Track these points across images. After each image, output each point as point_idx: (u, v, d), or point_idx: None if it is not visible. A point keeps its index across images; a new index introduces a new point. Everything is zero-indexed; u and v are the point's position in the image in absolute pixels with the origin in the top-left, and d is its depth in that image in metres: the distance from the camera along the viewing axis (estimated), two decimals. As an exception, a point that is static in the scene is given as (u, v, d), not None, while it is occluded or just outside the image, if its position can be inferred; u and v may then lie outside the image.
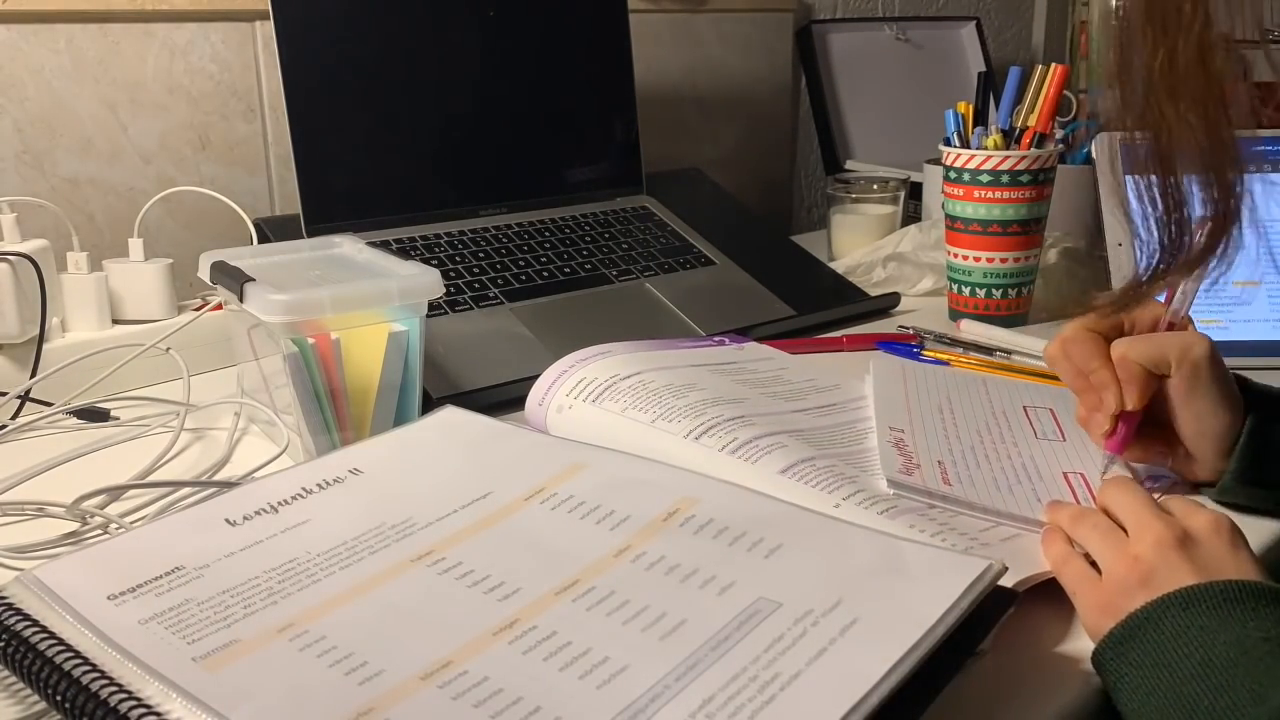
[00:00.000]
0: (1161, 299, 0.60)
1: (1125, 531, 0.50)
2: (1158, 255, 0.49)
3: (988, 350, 0.87)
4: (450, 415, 0.62)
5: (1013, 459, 0.63)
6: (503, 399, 0.75)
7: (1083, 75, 1.73)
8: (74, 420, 0.74)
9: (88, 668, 0.40)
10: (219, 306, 0.82)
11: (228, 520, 0.50)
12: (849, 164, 1.38)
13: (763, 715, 0.37)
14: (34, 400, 0.75)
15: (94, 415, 0.74)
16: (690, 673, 0.39)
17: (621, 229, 1.01)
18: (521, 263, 0.92)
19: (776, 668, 0.39)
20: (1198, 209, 0.47)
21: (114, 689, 0.38)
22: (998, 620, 0.46)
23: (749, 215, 1.13)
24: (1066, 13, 1.80)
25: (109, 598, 0.44)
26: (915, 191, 1.22)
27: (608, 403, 0.66)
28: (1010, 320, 0.95)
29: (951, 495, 0.58)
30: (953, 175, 0.95)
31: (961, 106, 0.97)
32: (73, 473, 0.67)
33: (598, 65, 1.05)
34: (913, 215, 1.21)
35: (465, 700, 0.38)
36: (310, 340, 0.63)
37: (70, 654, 0.40)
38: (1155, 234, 0.48)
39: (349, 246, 0.75)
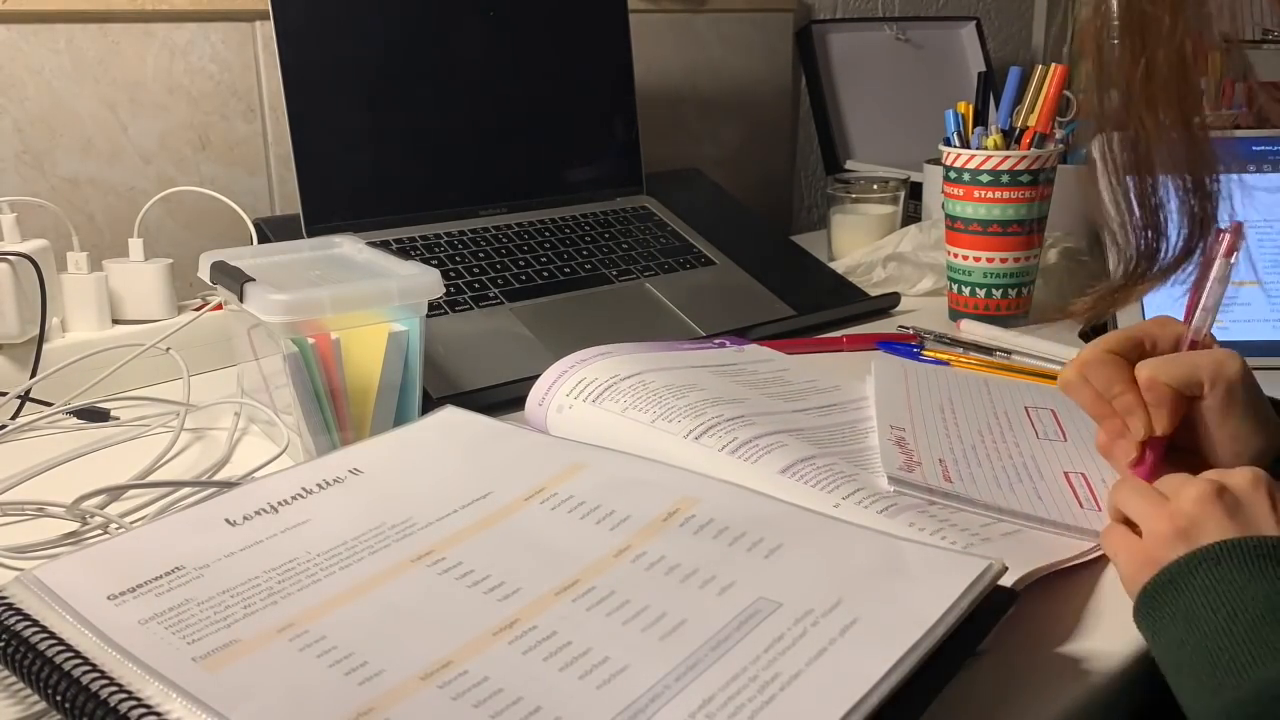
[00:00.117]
0: (1181, 318, 0.59)
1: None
2: (1134, 259, 0.48)
3: (988, 350, 0.87)
4: (450, 415, 0.63)
5: (1014, 458, 0.63)
6: (503, 399, 0.75)
7: (1083, 75, 1.73)
8: (74, 420, 0.74)
9: (88, 668, 0.40)
10: (219, 306, 0.82)
11: (228, 520, 0.50)
12: (849, 164, 1.38)
13: (763, 715, 0.37)
14: (34, 400, 0.75)
15: (94, 415, 0.74)
16: (690, 673, 0.39)
17: (621, 229, 1.01)
18: (521, 263, 0.92)
19: (776, 668, 0.39)
20: (1174, 214, 0.47)
21: (114, 689, 0.38)
22: (998, 620, 0.46)
23: (749, 215, 1.13)
24: (1066, 13, 1.80)
25: (109, 598, 0.44)
26: (915, 191, 1.22)
27: (608, 403, 0.66)
28: (1010, 320, 0.95)
29: (952, 492, 0.58)
30: (953, 175, 0.95)
31: (961, 106, 0.97)
32: (73, 473, 0.67)
33: (598, 65, 1.05)
34: (913, 215, 1.21)
35: (465, 700, 0.38)
36: (310, 340, 0.63)
37: (70, 654, 0.40)
38: (1132, 239, 0.48)
39: (349, 246, 0.75)
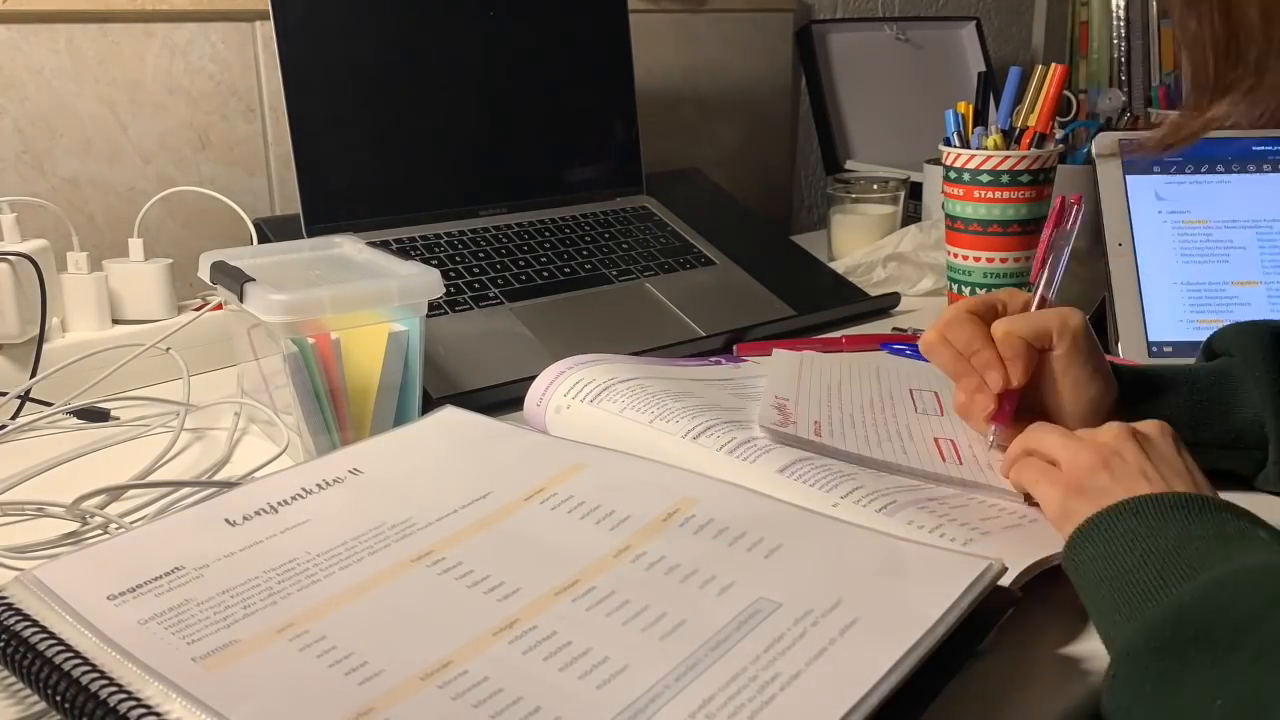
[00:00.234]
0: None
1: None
2: (1211, 81, 0.49)
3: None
4: (450, 415, 0.62)
5: (888, 425, 0.66)
6: (503, 399, 0.75)
7: (1083, 75, 1.73)
8: (74, 420, 0.74)
9: (87, 668, 0.40)
10: (219, 306, 0.82)
11: (228, 520, 0.50)
12: (849, 164, 1.38)
13: (763, 715, 0.37)
14: (34, 400, 0.75)
15: (94, 415, 0.74)
16: (690, 673, 0.39)
17: (621, 229, 1.01)
18: (521, 263, 0.92)
19: (776, 668, 0.39)
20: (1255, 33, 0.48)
21: (114, 689, 0.38)
22: (998, 620, 0.46)
23: (749, 215, 1.13)
24: (1066, 13, 1.80)
25: (109, 598, 0.44)
26: (915, 191, 1.22)
27: (605, 403, 0.66)
28: (1010, 320, 0.95)
29: (819, 444, 0.61)
30: (953, 175, 0.95)
31: (961, 106, 0.97)
32: (73, 473, 0.67)
33: (598, 65, 1.05)
34: (913, 215, 1.21)
35: (465, 700, 0.38)
36: (310, 340, 0.63)
37: (70, 654, 0.40)
38: (1210, 58, 0.49)
39: (349, 246, 0.75)
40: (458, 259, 0.90)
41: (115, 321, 0.82)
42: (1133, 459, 0.52)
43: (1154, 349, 0.83)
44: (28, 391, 0.74)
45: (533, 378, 0.71)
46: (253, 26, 0.98)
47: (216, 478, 0.67)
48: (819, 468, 0.59)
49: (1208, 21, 0.47)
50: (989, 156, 0.92)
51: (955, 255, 0.97)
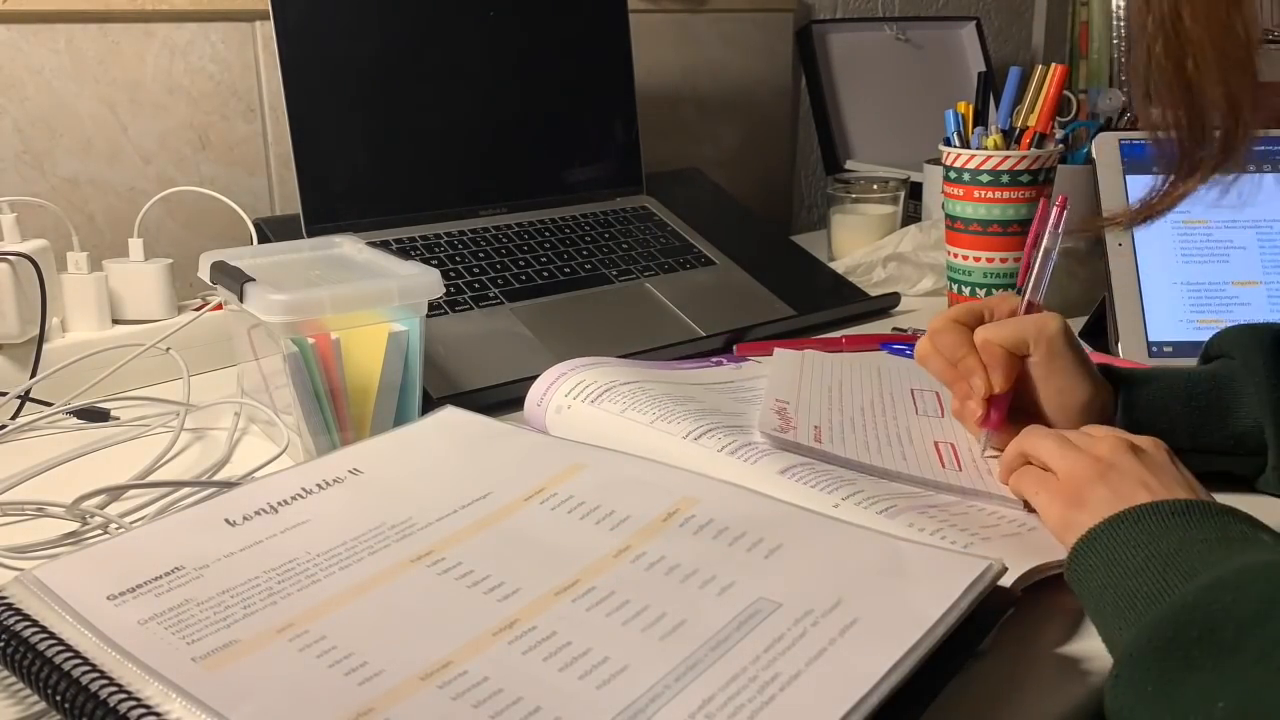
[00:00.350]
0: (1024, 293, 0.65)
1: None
2: (1175, 165, 0.51)
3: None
4: (450, 415, 0.62)
5: (889, 429, 0.66)
6: (503, 399, 0.75)
7: (1083, 75, 1.73)
8: (74, 420, 0.74)
9: (87, 668, 0.40)
10: (219, 306, 0.82)
11: (228, 520, 0.50)
12: (849, 164, 1.38)
13: (762, 715, 0.37)
14: (34, 400, 0.75)
15: (94, 415, 0.74)
16: (690, 673, 0.39)
17: (621, 229, 1.01)
18: (521, 263, 0.92)
19: (776, 668, 0.39)
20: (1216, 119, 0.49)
21: (114, 689, 0.38)
22: (998, 620, 0.46)
23: (749, 215, 1.13)
24: (1066, 13, 1.79)
25: (109, 598, 0.44)
26: (915, 191, 1.22)
27: (607, 403, 0.66)
28: (1010, 320, 0.95)
29: (819, 450, 0.61)
30: (953, 175, 0.95)
31: (961, 106, 0.97)
32: (73, 473, 0.67)
33: (598, 65, 1.05)
34: (913, 215, 1.21)
35: (465, 700, 0.38)
36: (310, 340, 0.63)
37: (70, 654, 0.40)
38: (1176, 142, 0.50)
39: (349, 246, 0.75)
40: (458, 259, 0.90)
41: (115, 321, 0.82)
42: (1130, 470, 0.52)
43: (1154, 349, 0.83)
44: (28, 391, 0.74)
45: (533, 378, 0.71)
46: (253, 26, 0.98)
47: (216, 478, 0.67)
48: (820, 472, 0.59)
49: (1171, 109, 0.48)
50: (989, 156, 0.92)
51: (955, 255, 0.97)
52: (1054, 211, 0.65)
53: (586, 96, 1.04)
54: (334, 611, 0.44)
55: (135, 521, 0.60)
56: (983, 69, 1.50)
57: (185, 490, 0.63)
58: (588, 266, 0.94)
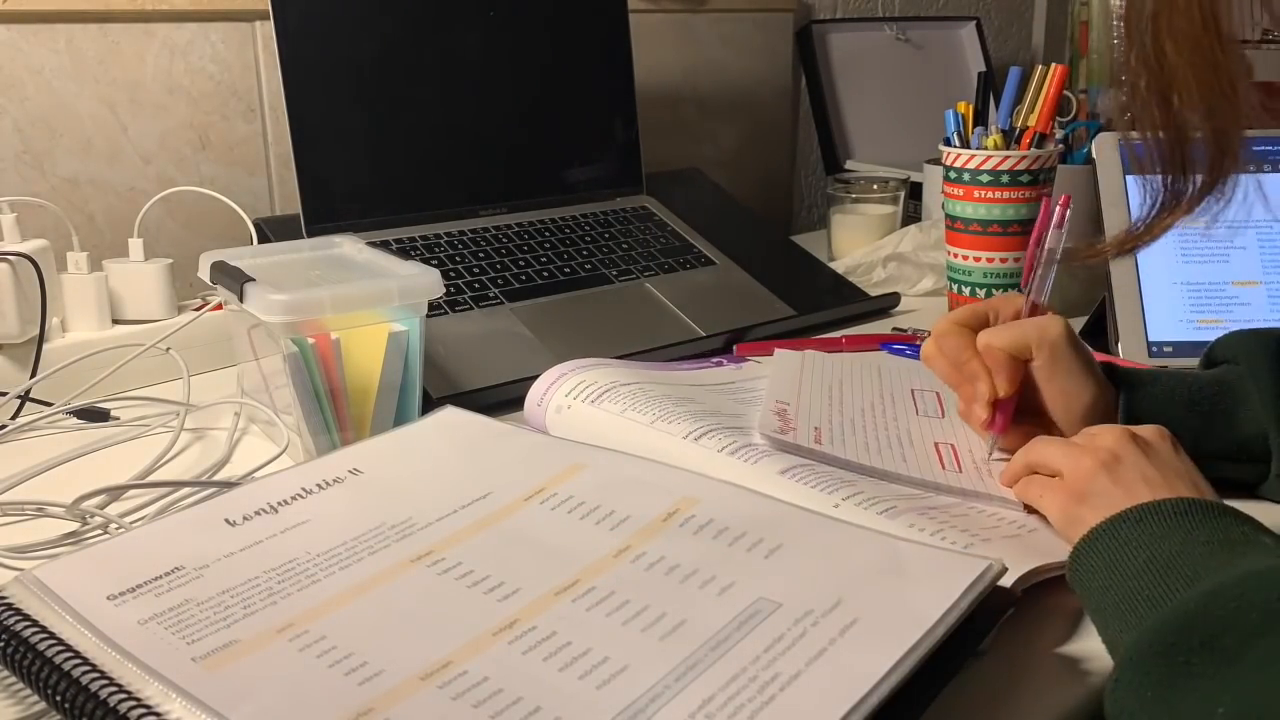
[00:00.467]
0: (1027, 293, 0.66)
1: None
2: (1160, 197, 0.51)
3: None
4: (450, 415, 0.62)
5: (889, 430, 0.66)
6: (503, 399, 0.75)
7: (1083, 75, 1.73)
8: (74, 420, 0.74)
9: (87, 668, 0.40)
10: (219, 306, 0.82)
11: (228, 520, 0.50)
12: (849, 164, 1.38)
13: (762, 715, 0.37)
14: (34, 400, 0.75)
15: (94, 415, 0.74)
16: (690, 673, 0.39)
17: (621, 229, 1.01)
18: (521, 263, 0.92)
19: (776, 668, 0.39)
20: (1198, 151, 0.49)
21: (114, 689, 0.38)
22: (998, 620, 0.46)
23: (749, 215, 1.13)
24: (1066, 13, 1.79)
25: (109, 598, 0.44)
26: (915, 191, 1.22)
27: (607, 403, 0.66)
28: (1010, 320, 0.95)
29: (819, 452, 0.61)
30: (953, 175, 0.95)
31: (961, 106, 0.97)
32: (73, 473, 0.67)
33: (598, 65, 1.05)
34: (913, 215, 1.21)
35: (465, 700, 0.38)
36: (310, 340, 0.63)
37: (70, 654, 0.40)
38: (1159, 180, 0.50)
39: (349, 246, 0.75)
40: (458, 259, 0.90)
41: (115, 321, 0.82)
42: (1132, 462, 0.52)
43: (1154, 349, 0.83)
44: (28, 391, 0.74)
45: (533, 378, 0.71)
46: (253, 26, 0.98)
47: (216, 478, 0.67)
48: (820, 473, 0.59)
49: (1156, 145, 0.48)
50: (989, 156, 0.92)
51: (955, 255, 0.97)
52: (1057, 210, 0.64)
53: (586, 96, 1.04)
54: (334, 611, 0.44)
55: (135, 521, 0.60)
56: (983, 69, 1.50)
57: (185, 490, 0.63)
58: (588, 266, 0.94)
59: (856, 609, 0.43)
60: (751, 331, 0.90)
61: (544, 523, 0.51)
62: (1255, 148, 0.89)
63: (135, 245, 0.83)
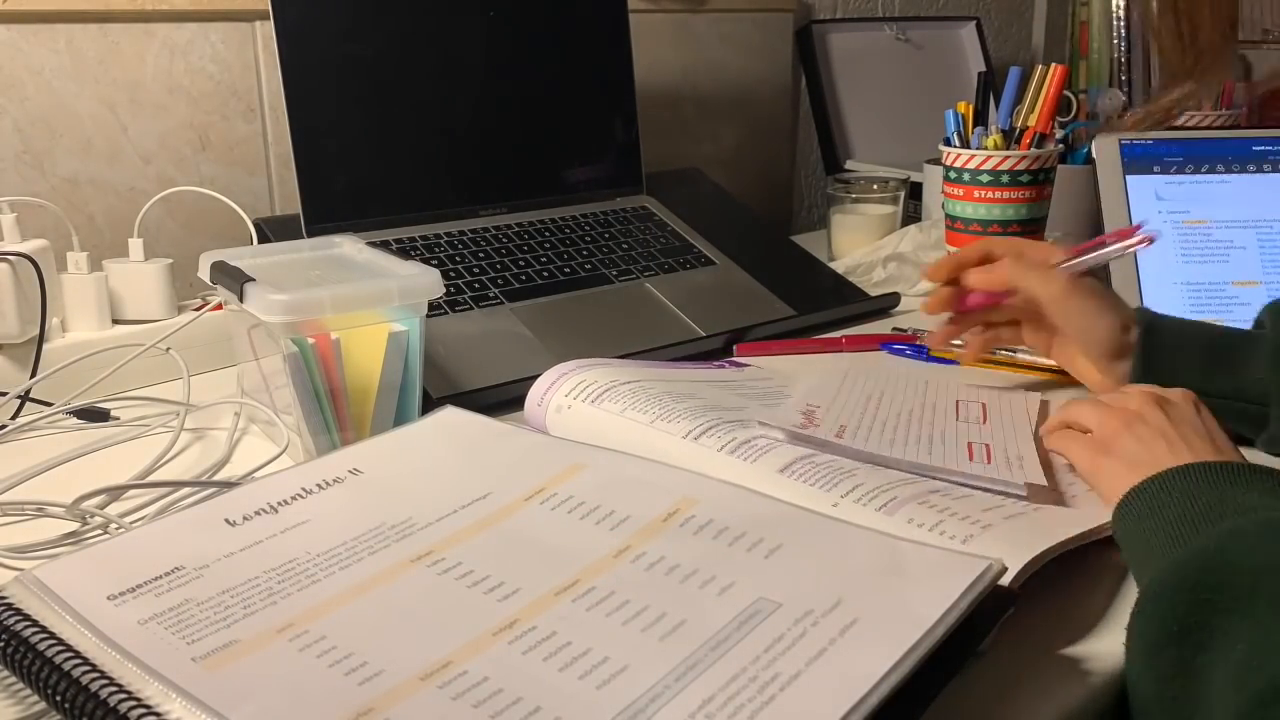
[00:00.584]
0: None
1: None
2: (1174, 69, 0.59)
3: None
4: (450, 415, 0.62)
5: (922, 431, 0.66)
6: (503, 399, 0.75)
7: (1083, 75, 1.73)
8: (74, 420, 0.74)
9: (87, 668, 0.40)
10: (219, 306, 0.82)
11: (228, 520, 0.50)
12: (849, 164, 1.38)
13: (762, 715, 0.37)
14: (34, 400, 0.75)
15: (94, 415, 0.74)
16: (690, 673, 0.39)
17: (621, 229, 1.01)
18: (521, 263, 0.92)
19: (776, 668, 0.39)
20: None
21: (114, 689, 0.38)
22: (998, 620, 0.46)
23: (749, 215, 1.13)
24: (1066, 13, 1.79)
25: (109, 598, 0.44)
26: (915, 191, 1.22)
27: (607, 403, 0.67)
28: (1010, 320, 0.95)
29: (838, 445, 0.61)
30: (953, 175, 0.95)
31: (961, 106, 0.97)
32: (73, 473, 0.67)
33: (598, 65, 1.05)
34: (913, 215, 1.21)
35: (465, 700, 0.38)
36: (310, 340, 0.63)
37: (70, 654, 0.40)
38: (1172, 48, 0.59)
39: (349, 246, 0.75)
40: (458, 259, 0.90)
41: (115, 321, 0.82)
42: (1155, 422, 0.58)
43: (1154, 349, 0.83)
44: (28, 391, 0.74)
45: (533, 378, 0.71)
46: (253, 26, 0.98)
47: (216, 478, 0.67)
48: (819, 466, 0.59)
49: (1170, 16, 0.57)
50: (989, 156, 0.92)
51: (955, 255, 0.97)
52: (1137, 238, 0.72)
53: (586, 96, 1.04)
54: (334, 611, 0.44)
55: (135, 521, 0.60)
56: (983, 69, 1.50)
57: (185, 490, 0.63)
58: (588, 266, 0.94)
59: (856, 609, 0.43)
60: (751, 331, 0.90)
61: (544, 523, 0.51)
62: (1254, 148, 0.89)
63: (135, 245, 0.83)
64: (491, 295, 0.87)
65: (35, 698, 0.42)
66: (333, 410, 0.65)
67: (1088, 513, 0.57)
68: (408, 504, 0.53)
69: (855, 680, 0.39)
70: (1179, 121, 1.17)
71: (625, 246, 0.98)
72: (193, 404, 0.73)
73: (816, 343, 0.90)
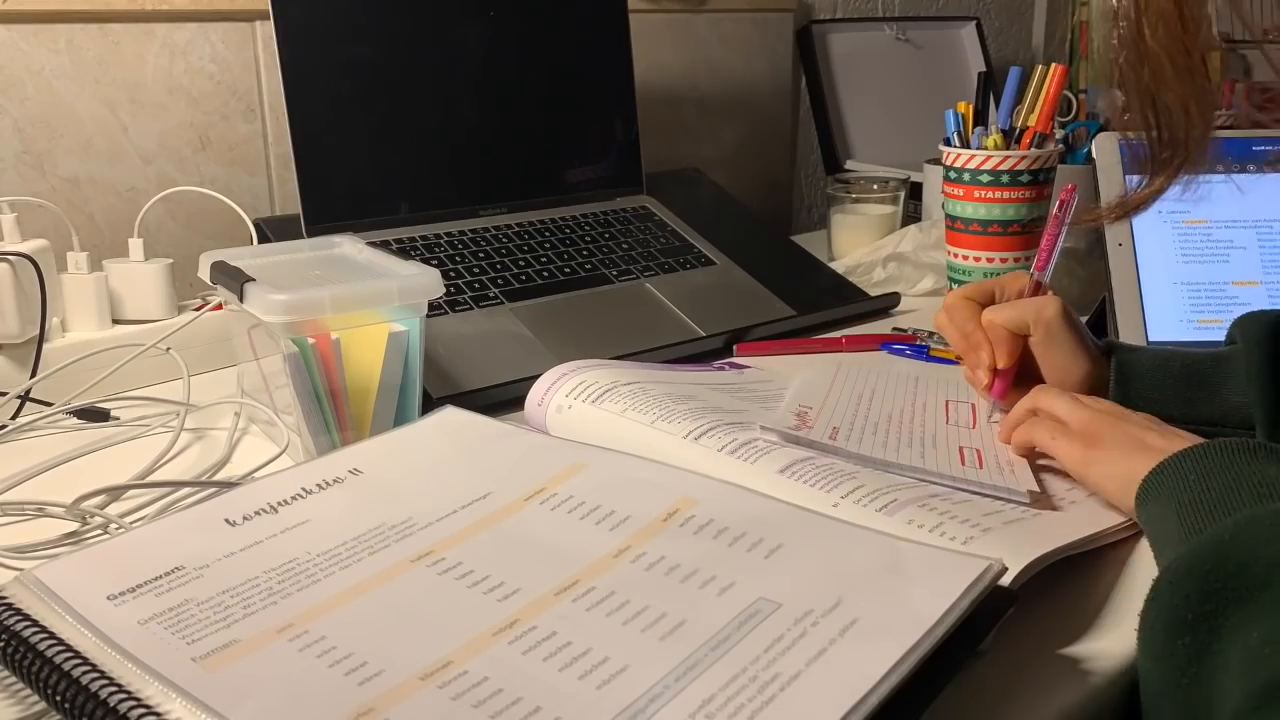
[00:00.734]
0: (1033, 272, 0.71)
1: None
2: (1148, 160, 0.56)
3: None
4: (450, 415, 0.62)
5: (913, 433, 0.66)
6: (503, 399, 0.75)
7: (1083, 75, 1.73)
8: (74, 420, 0.74)
9: (88, 668, 0.40)
10: (219, 306, 0.82)
11: (228, 520, 0.50)
12: (849, 164, 1.38)
13: (762, 715, 0.37)
14: (34, 400, 0.75)
15: (94, 415, 0.74)
16: (690, 673, 0.39)
17: (621, 229, 1.01)
18: (521, 263, 0.92)
19: (776, 668, 0.39)
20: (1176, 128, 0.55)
21: (114, 689, 0.38)
22: (998, 620, 0.46)
23: (749, 215, 1.13)
24: (1066, 13, 1.80)
25: (109, 598, 0.44)
26: (915, 191, 1.22)
27: (607, 403, 0.66)
28: (1010, 320, 0.95)
29: (832, 447, 0.61)
30: (953, 175, 0.95)
31: (961, 106, 0.97)
32: (73, 473, 0.67)
33: (598, 65, 1.05)
34: (913, 215, 1.21)
35: (465, 700, 0.38)
36: (310, 340, 0.63)
37: (70, 654, 0.40)
38: (1143, 147, 0.56)
39: (349, 246, 0.75)
40: (458, 259, 0.90)
41: (115, 321, 0.82)
42: (1138, 420, 0.58)
43: (1154, 349, 0.83)
44: (28, 391, 0.74)
45: (533, 378, 0.71)
46: (253, 26, 0.98)
47: (216, 478, 0.67)
48: (820, 467, 0.59)
49: (1140, 114, 0.54)
50: (989, 156, 0.92)
51: (955, 255, 0.97)
52: (1058, 202, 0.70)
53: (586, 97, 1.04)
54: (334, 611, 0.44)
55: (135, 521, 0.60)
56: (983, 69, 1.50)
57: (185, 490, 0.63)
58: (588, 266, 0.94)
59: (856, 609, 0.43)
60: (751, 331, 0.90)
61: (544, 523, 0.51)
62: (1254, 148, 0.89)
63: (135, 245, 0.83)
64: (491, 295, 0.87)
65: (35, 698, 0.42)
66: (333, 410, 0.65)
67: (1086, 518, 0.56)
68: (408, 504, 0.53)
69: (855, 680, 0.38)
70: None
71: (625, 246, 0.98)
72: (193, 404, 0.73)
73: (816, 343, 0.90)
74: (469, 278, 0.88)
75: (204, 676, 0.39)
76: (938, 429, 0.67)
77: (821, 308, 0.97)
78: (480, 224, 0.96)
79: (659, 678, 0.39)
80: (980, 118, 0.97)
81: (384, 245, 0.77)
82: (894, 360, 0.86)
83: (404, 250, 0.88)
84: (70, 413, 0.74)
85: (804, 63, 1.42)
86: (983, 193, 0.93)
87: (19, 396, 0.74)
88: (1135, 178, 0.59)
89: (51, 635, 0.41)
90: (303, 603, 0.44)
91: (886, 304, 1.01)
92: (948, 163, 0.96)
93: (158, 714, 0.37)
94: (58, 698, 0.39)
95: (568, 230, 0.98)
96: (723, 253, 1.01)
